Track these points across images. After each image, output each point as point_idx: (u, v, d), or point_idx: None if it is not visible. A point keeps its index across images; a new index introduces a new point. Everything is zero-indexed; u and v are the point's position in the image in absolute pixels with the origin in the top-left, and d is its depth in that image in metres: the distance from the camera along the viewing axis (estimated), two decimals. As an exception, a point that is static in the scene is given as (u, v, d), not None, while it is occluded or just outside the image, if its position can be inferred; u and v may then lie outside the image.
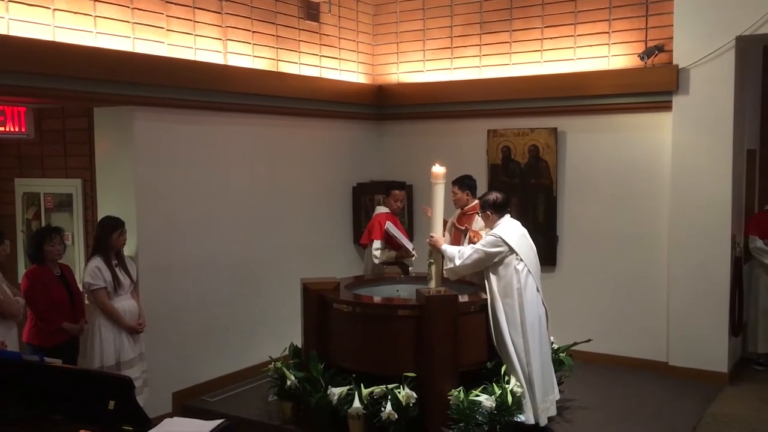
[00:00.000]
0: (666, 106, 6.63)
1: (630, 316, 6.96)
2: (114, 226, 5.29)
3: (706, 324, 6.52)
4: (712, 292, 6.49)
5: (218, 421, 2.89)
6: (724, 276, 6.47)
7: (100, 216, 5.62)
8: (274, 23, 6.93)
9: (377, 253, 6.43)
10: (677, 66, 6.50)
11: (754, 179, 7.55)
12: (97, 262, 5.22)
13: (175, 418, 3.08)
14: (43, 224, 6.37)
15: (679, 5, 6.47)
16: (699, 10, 6.38)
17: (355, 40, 8.03)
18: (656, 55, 6.62)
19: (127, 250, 5.54)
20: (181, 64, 5.91)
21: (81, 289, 5.41)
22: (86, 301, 5.41)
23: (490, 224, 5.44)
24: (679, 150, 6.58)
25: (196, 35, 6.15)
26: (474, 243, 5.47)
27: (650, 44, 6.71)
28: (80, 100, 5.53)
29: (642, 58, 6.66)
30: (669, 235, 6.71)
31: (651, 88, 6.64)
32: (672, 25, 6.55)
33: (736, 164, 6.54)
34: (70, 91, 5.18)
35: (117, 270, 5.28)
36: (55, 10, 5.11)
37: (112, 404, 3.04)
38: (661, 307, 6.80)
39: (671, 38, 6.57)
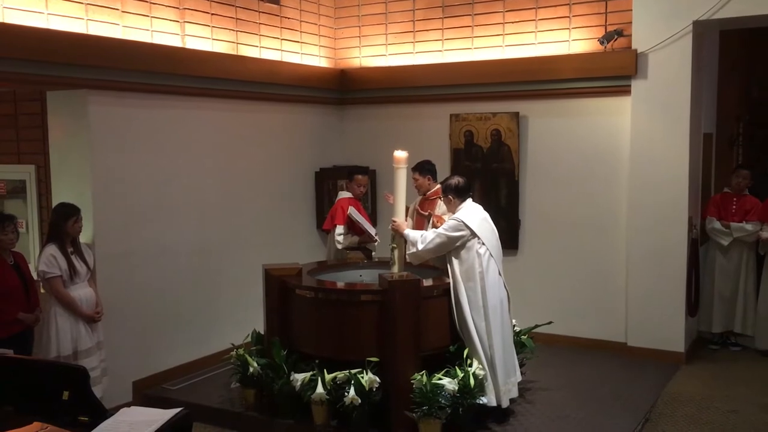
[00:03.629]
0: (625, 91, 6.71)
1: (590, 299, 7.07)
2: (69, 213, 5.17)
3: (664, 305, 6.65)
4: (670, 274, 6.62)
5: (176, 410, 2.85)
6: (681, 258, 6.60)
7: (54, 203, 5.49)
8: (233, 5, 6.81)
9: (340, 238, 6.41)
10: (636, 50, 6.57)
11: (710, 162, 7.69)
12: (52, 249, 5.10)
13: (132, 407, 3.03)
14: (-4, 212, 6.20)
15: (637, -10, 6.54)
16: (657, -5, 6.46)
17: (316, 24, 7.94)
18: (616, 40, 6.68)
19: (84, 237, 5.42)
20: (137, 46, 5.77)
21: (35, 277, 5.28)
22: (41, 290, 5.29)
23: (452, 209, 5.45)
24: (638, 134, 6.66)
25: (152, 17, 6.01)
26: (437, 228, 5.48)
27: (610, 29, 6.76)
28: (32, 84, 5.35)
29: (602, 43, 6.71)
30: (628, 218, 6.81)
31: (610, 72, 6.71)
32: (631, 10, 6.61)
33: (693, 148, 6.65)
34: (21, 74, 5.04)
35: (73, 258, 5.17)
36: (3, -10, 4.94)
37: (66, 395, 2.97)
38: (620, 289, 6.91)
39: (630, 23, 6.63)
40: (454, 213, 5.39)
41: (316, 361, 5.16)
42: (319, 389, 4.99)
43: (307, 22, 7.78)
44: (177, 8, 6.23)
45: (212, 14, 6.58)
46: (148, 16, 5.97)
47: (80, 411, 2.97)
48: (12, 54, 4.89)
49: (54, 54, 5.12)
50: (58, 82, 5.32)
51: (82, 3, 5.45)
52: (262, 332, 5.72)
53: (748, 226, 6.94)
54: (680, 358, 6.63)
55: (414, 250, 5.35)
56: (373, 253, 6.60)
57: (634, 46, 6.59)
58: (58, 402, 2.98)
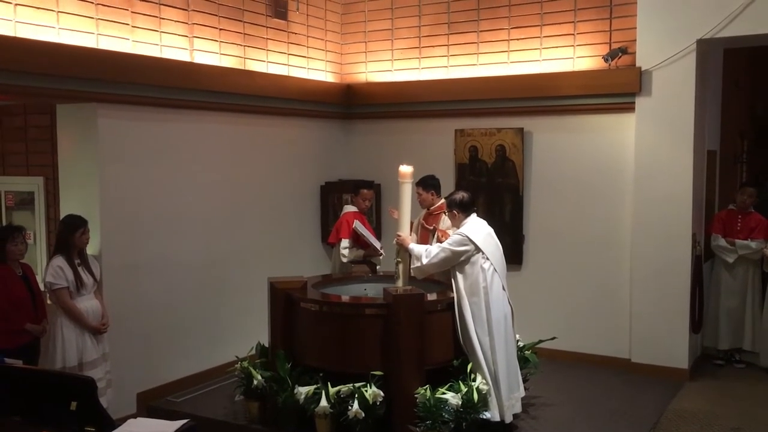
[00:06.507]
0: (629, 107, 6.75)
1: (594, 314, 7.07)
2: (76, 224, 5.21)
3: (668, 321, 6.64)
4: (674, 290, 6.62)
5: (182, 422, 2.88)
6: (685, 274, 6.60)
7: (62, 214, 5.54)
8: (241, 21, 6.89)
9: (345, 251, 6.44)
10: (640, 68, 6.61)
11: (714, 179, 7.71)
12: (59, 261, 5.14)
13: (138, 418, 3.06)
14: (4, 223, 6.25)
15: (642, 8, 6.59)
16: (661, 13, 6.50)
17: (323, 39, 8.01)
18: (620, 57, 6.72)
19: (91, 249, 5.47)
20: (146, 61, 5.84)
21: (42, 288, 5.32)
22: (48, 301, 5.32)
23: (456, 223, 5.48)
24: (642, 150, 6.69)
25: (161, 32, 6.09)
26: (442, 242, 5.50)
27: (614, 46, 6.81)
28: (42, 97, 5.43)
29: (606, 60, 6.76)
30: (632, 234, 6.83)
31: (615, 89, 6.75)
32: (635, 28, 6.66)
33: (697, 164, 6.67)
34: (32, 88, 5.10)
35: (80, 269, 5.21)
36: (16, 5, 5.02)
37: (74, 405, 2.99)
38: (623, 305, 6.92)
39: (634, 41, 6.68)
40: (458, 228, 5.41)
41: (321, 374, 5.17)
42: (323, 402, 5.00)
43: (314, 37, 7.86)
44: (186, 23, 6.31)
45: (220, 29, 6.65)
46: (157, 31, 6.04)
47: (87, 422, 3.00)
48: (23, 68, 4.95)
49: (64, 68, 5.19)
50: (67, 95, 5.38)
51: (92, 18, 5.52)
52: (267, 345, 5.74)
53: (753, 244, 6.94)
54: (684, 375, 6.62)
55: (418, 264, 5.37)
56: (378, 267, 6.61)
57: (638, 64, 6.64)
58: (66, 412, 3.00)
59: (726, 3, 6.16)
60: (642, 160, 6.69)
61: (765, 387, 6.55)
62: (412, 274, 5.50)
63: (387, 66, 8.07)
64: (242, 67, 6.88)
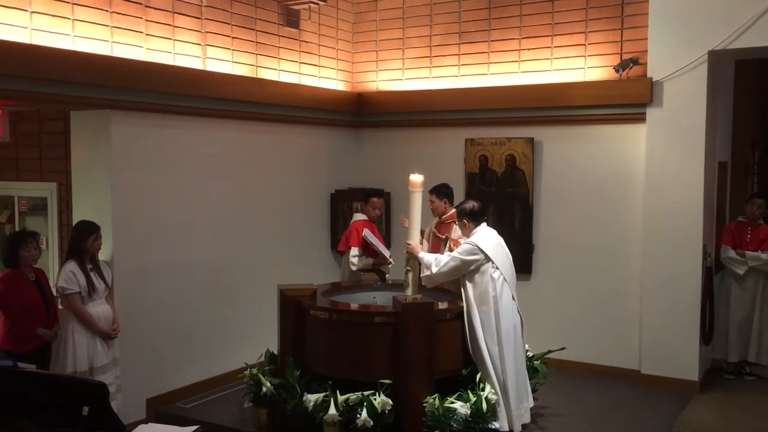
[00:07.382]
0: (640, 118, 6.74)
1: (603, 325, 7.05)
2: (89, 230, 5.25)
3: (678, 333, 6.61)
4: (684, 302, 6.59)
5: (191, 428, 2.89)
6: (696, 286, 6.58)
7: (75, 220, 5.58)
8: (253, 29, 6.93)
9: (354, 260, 6.46)
10: (651, 79, 6.61)
11: (725, 190, 7.69)
12: (72, 266, 5.17)
13: (150, 424, 3.09)
14: (17, 228, 6.30)
15: (653, 19, 6.59)
16: (673, 24, 6.50)
17: (334, 48, 8.06)
18: (631, 68, 6.73)
19: (103, 255, 5.50)
20: (159, 68, 5.89)
21: (54, 293, 5.36)
22: (60, 306, 5.36)
23: (466, 233, 5.49)
24: (653, 161, 6.68)
25: (175, 40, 6.14)
26: (453, 251, 5.51)
27: (625, 57, 6.82)
28: (57, 103, 5.48)
29: (617, 71, 6.76)
30: (642, 245, 6.81)
31: (625, 100, 6.75)
32: (646, 39, 6.67)
33: (708, 176, 6.66)
34: (46, 94, 5.14)
35: (92, 275, 5.25)
36: (32, 12, 5.07)
37: (86, 410, 3.01)
38: (633, 316, 6.89)
39: (646, 51, 6.68)
40: (468, 237, 5.42)
41: (329, 382, 5.18)
42: (332, 410, 5.00)
43: (325, 46, 7.90)
44: (199, 32, 6.36)
45: (233, 38, 6.70)
46: (170, 39, 6.10)
47: (99, 427, 3.01)
48: (38, 74, 5.00)
49: (78, 75, 5.24)
50: (81, 102, 5.43)
51: (107, 26, 5.58)
52: (276, 352, 5.75)
53: (763, 255, 6.90)
54: (694, 387, 6.59)
55: (428, 272, 5.38)
56: (387, 276, 6.63)
57: (649, 75, 6.64)
58: (78, 417, 3.02)
59: (737, 15, 6.16)
60: (653, 171, 6.68)
61: (776, 400, 6.52)
62: (422, 283, 5.51)
63: (398, 75, 8.10)
64: (254, 76, 6.93)
